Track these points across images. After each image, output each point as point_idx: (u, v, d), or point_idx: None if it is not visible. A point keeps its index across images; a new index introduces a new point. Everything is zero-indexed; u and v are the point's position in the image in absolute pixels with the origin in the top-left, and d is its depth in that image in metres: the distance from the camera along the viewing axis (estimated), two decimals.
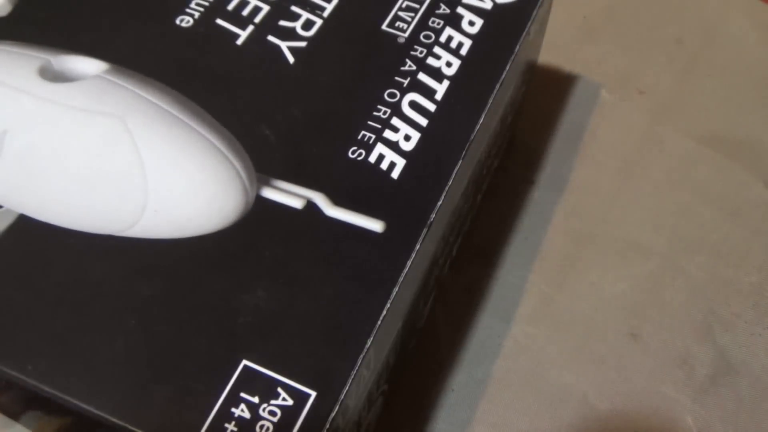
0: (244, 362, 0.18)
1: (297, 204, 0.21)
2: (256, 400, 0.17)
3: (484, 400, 0.29)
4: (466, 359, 0.30)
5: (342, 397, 0.17)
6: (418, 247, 0.20)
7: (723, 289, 0.32)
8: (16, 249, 0.20)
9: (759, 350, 0.30)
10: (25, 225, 0.20)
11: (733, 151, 0.37)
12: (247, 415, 0.17)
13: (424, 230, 0.20)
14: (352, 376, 0.18)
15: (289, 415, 0.17)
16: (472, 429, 0.28)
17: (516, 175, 0.36)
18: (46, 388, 0.18)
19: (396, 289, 0.19)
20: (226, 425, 0.17)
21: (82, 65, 0.24)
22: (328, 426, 0.17)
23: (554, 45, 0.41)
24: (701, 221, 0.34)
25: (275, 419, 0.17)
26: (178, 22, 0.25)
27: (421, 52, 0.25)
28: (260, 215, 0.20)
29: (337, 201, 0.21)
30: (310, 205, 0.21)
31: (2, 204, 0.21)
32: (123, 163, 0.21)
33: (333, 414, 0.17)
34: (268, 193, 0.21)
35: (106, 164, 0.21)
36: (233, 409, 0.17)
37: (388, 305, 0.19)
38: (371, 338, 0.18)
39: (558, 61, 0.41)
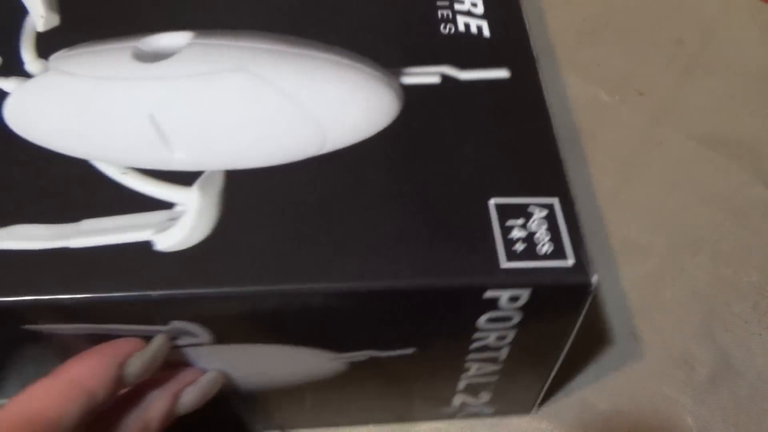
0: (493, 200, 0.21)
1: (434, 80, 0.24)
2: (521, 222, 0.21)
3: None
4: None
5: (577, 208, 0.21)
6: (542, 75, 0.24)
7: (723, 289, 0.32)
8: (248, 194, 0.21)
9: (759, 350, 0.30)
10: (237, 176, 0.21)
11: (733, 151, 0.37)
12: (523, 234, 0.20)
13: (537, 65, 0.25)
14: (567, 180, 0.22)
15: (551, 221, 0.21)
16: (471, 429, 0.28)
17: None
18: (357, 283, 0.19)
19: (551, 110, 0.23)
20: (516, 246, 0.20)
21: (169, 40, 0.25)
22: (577, 220, 0.21)
23: (553, 46, 0.41)
24: (701, 221, 0.34)
25: (545, 227, 0.20)
26: None
27: None
28: (413, 99, 0.23)
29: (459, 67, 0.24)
30: (444, 78, 0.24)
31: (203, 168, 0.21)
32: (275, 103, 0.23)
33: (576, 209, 0.21)
34: (407, 80, 0.24)
35: (262, 109, 0.23)
36: (512, 234, 0.20)
37: (553, 126, 0.23)
38: (561, 155, 0.22)
39: (557, 63, 0.41)
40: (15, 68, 0.23)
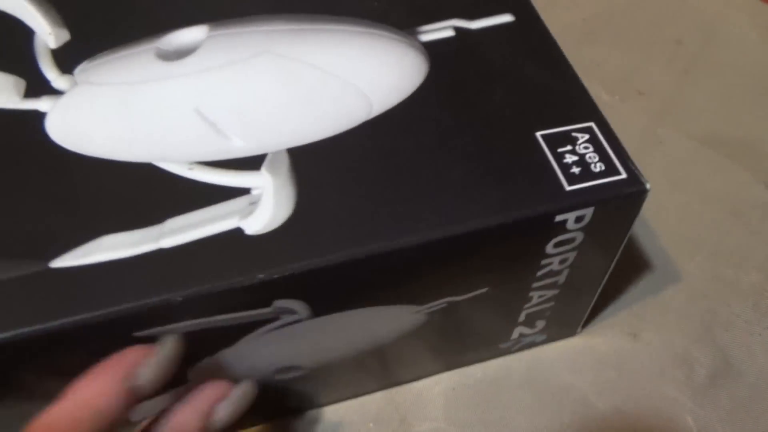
0: (537, 134, 0.23)
1: (448, 33, 0.26)
2: (569, 147, 0.22)
3: (484, 400, 0.29)
4: None
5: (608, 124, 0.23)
6: (542, 18, 0.26)
7: (723, 289, 0.32)
8: (316, 167, 0.22)
9: (759, 350, 0.30)
10: (301, 152, 0.22)
11: (733, 151, 0.37)
12: (575, 158, 0.22)
13: (535, 9, 0.27)
14: (596, 104, 0.24)
15: (594, 142, 0.23)
16: (471, 429, 0.28)
17: None
18: (440, 233, 0.20)
19: (559, 47, 0.26)
20: (572, 170, 0.22)
21: (187, 36, 0.25)
22: (616, 137, 0.23)
23: None
24: (701, 221, 0.34)
25: (591, 148, 0.22)
26: None
27: None
28: (435, 53, 0.25)
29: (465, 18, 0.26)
30: (457, 31, 0.26)
31: (265, 151, 0.22)
32: (308, 77, 0.24)
33: (611, 129, 0.23)
34: (424, 37, 0.25)
35: (297, 86, 0.24)
36: (565, 159, 0.22)
37: (564, 54, 0.25)
38: (582, 83, 0.25)
39: None
40: (42, 88, 0.23)
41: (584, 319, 0.29)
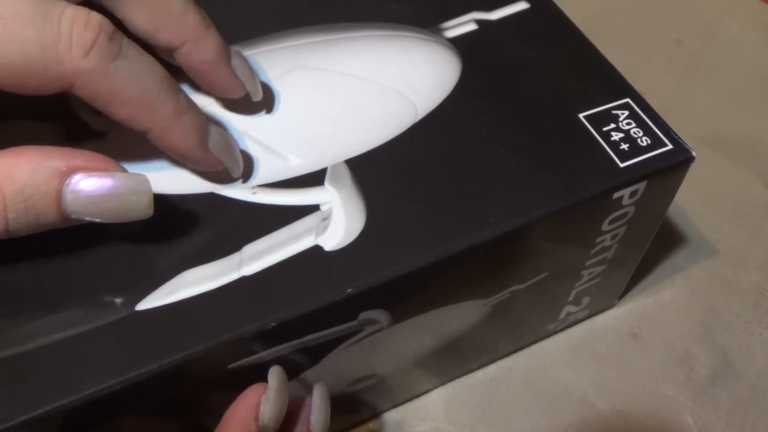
0: (580, 115, 0.23)
1: (471, 27, 0.26)
2: (613, 126, 0.23)
3: (484, 400, 0.29)
4: None
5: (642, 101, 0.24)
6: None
7: (723, 289, 0.32)
8: (377, 175, 0.22)
9: (759, 350, 0.30)
10: (358, 163, 0.22)
11: (733, 151, 0.37)
12: (621, 135, 0.23)
13: None
14: (626, 80, 0.24)
15: (635, 117, 0.23)
16: (472, 429, 0.28)
17: None
18: (513, 224, 0.21)
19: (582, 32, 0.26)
20: (622, 147, 0.22)
21: None
22: (653, 110, 0.23)
23: None
24: (701, 221, 0.34)
25: (633, 124, 0.23)
26: None
27: None
28: (463, 49, 0.25)
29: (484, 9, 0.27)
30: (479, 23, 0.26)
31: (323, 166, 0.22)
32: (350, 86, 0.24)
33: (647, 103, 0.24)
34: (449, 33, 0.26)
35: (338, 96, 0.23)
36: (612, 137, 0.23)
37: (584, 34, 0.26)
38: (609, 61, 0.25)
39: None
40: (84, 132, 0.22)
41: (622, 290, 0.30)
